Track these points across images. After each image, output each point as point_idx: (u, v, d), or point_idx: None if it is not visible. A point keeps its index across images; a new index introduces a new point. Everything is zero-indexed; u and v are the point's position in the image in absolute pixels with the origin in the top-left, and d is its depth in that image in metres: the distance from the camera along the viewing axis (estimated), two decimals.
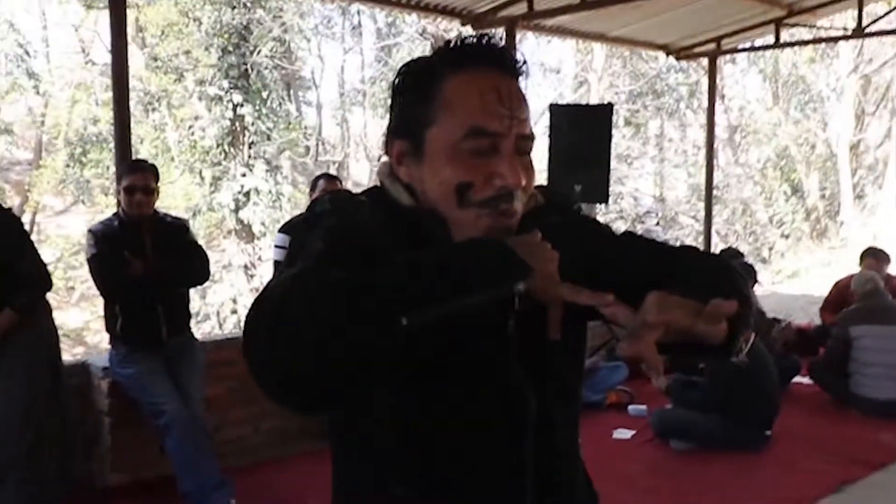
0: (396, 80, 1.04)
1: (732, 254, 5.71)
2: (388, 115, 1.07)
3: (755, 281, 5.49)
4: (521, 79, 1.01)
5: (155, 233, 3.45)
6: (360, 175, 18.45)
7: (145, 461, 3.64)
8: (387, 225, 1.01)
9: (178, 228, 3.61)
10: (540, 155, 5.50)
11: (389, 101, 1.06)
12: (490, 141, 0.97)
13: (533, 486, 1.02)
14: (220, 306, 12.01)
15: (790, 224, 14.97)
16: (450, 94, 0.98)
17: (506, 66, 0.99)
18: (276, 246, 4.40)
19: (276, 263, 4.38)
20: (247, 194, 12.08)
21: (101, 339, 12.58)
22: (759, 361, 4.21)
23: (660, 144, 18.48)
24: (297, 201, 13.15)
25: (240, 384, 4.12)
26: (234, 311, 12.02)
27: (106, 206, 13.07)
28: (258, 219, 12.14)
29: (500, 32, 5.39)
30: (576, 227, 1.10)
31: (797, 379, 5.18)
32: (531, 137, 1.01)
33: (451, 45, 1.00)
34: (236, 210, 12.10)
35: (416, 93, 1.01)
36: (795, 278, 10.59)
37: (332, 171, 4.56)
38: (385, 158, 1.08)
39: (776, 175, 15.63)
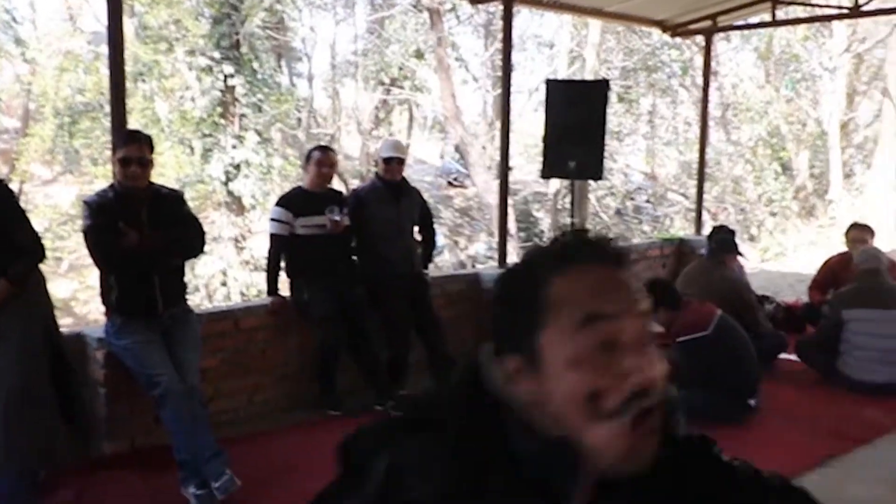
0: (497, 293, 0.98)
1: (722, 231, 5.75)
2: (496, 329, 0.97)
3: (737, 254, 5.53)
4: (626, 267, 0.94)
5: (150, 204, 3.44)
6: (352, 148, 18.37)
7: (141, 430, 3.68)
8: (498, 475, 0.91)
9: (173, 200, 3.60)
10: (536, 130, 5.51)
11: (495, 314, 0.97)
12: (608, 328, 0.88)
13: None
14: (210, 278, 11.99)
15: (779, 202, 15.05)
16: (556, 294, 0.90)
17: (611, 258, 0.93)
18: (272, 219, 4.41)
19: (272, 237, 4.40)
20: (237, 166, 12.01)
21: (89, 309, 12.56)
22: (732, 334, 4.27)
23: (651, 121, 18.48)
24: (287, 174, 13.09)
25: (233, 356, 4.16)
26: (224, 284, 12.01)
27: (95, 177, 12.97)
28: (248, 191, 12.07)
29: (496, 7, 5.36)
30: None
31: (784, 355, 5.23)
32: (650, 324, 0.93)
33: (551, 249, 0.95)
34: (227, 182, 12.03)
35: (519, 302, 0.93)
36: (783, 256, 10.67)
37: (323, 144, 4.57)
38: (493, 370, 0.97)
39: (766, 153, 15.66)
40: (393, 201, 4.51)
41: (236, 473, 3.27)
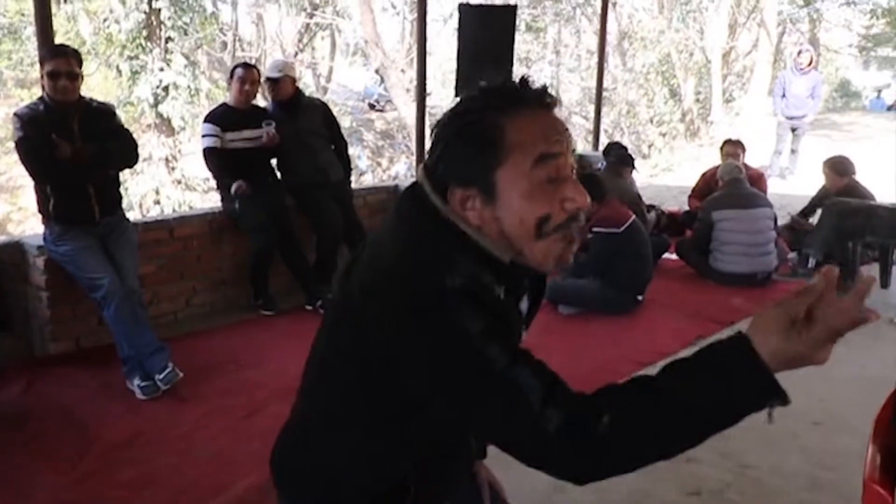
0: (444, 130, 1.04)
1: (617, 147, 5.92)
2: (446, 163, 1.04)
3: (633, 168, 5.75)
4: (559, 110, 1.06)
5: (82, 117, 3.30)
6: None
7: (85, 331, 3.63)
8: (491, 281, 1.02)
9: (104, 113, 3.46)
10: (452, 56, 5.46)
11: (446, 147, 1.04)
12: (554, 164, 1.01)
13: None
14: (143, 197, 11.59)
15: (668, 124, 15.47)
16: (513, 136, 1.00)
17: (552, 103, 1.04)
18: (204, 135, 4.30)
19: (207, 151, 4.28)
20: (165, 89, 11.46)
21: (23, 229, 11.96)
22: (639, 237, 4.48)
23: (557, 50, 18.46)
24: (214, 96, 12.58)
25: (170, 263, 4.10)
26: (157, 202, 11.63)
27: (21, 99, 12.14)
28: (177, 113, 11.58)
29: None
30: None
31: (665, 255, 5.52)
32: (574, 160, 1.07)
33: (499, 92, 1.03)
34: (155, 105, 11.50)
35: (478, 141, 1.01)
36: (669, 171, 11.03)
37: (245, 62, 4.39)
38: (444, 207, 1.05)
39: (658, 80, 15.96)
40: (289, 118, 4.42)
41: (178, 366, 3.29)
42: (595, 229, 4.37)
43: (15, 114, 3.27)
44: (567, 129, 1.04)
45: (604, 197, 4.40)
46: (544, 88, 1.04)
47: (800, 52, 8.99)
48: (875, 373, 3.51)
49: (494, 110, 1.01)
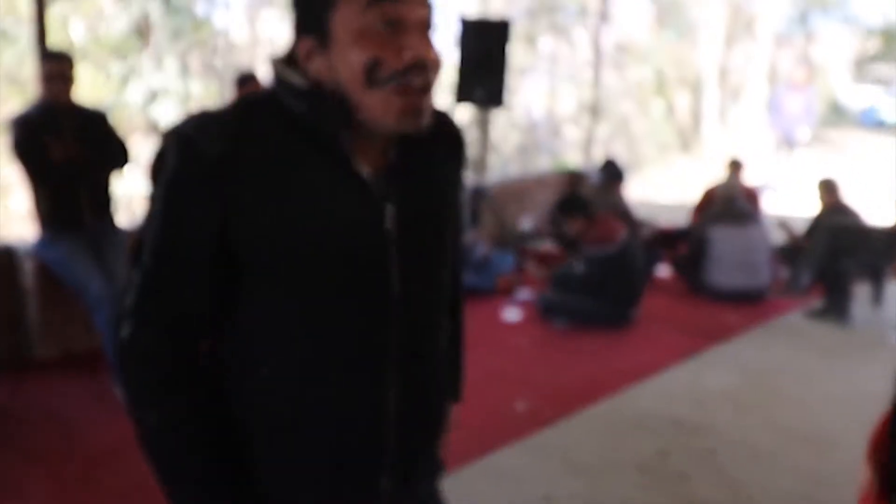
0: None
1: (611, 164, 5.99)
2: (293, 15, 0.99)
3: (622, 181, 5.87)
4: None
5: (74, 120, 3.32)
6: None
7: (74, 336, 3.62)
8: (279, 134, 0.95)
9: (96, 117, 3.49)
10: (451, 64, 5.55)
11: (293, 1, 0.99)
12: (394, 9, 0.91)
13: (395, 360, 1.03)
14: (131, 200, 11.57)
15: (661, 137, 15.60)
16: None
17: None
18: None
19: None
20: (156, 93, 11.48)
21: (10, 231, 11.89)
22: (631, 252, 4.52)
23: (552, 60, 18.57)
24: (205, 101, 12.59)
25: None
26: (142, 205, 11.62)
27: (9, 97, 12.11)
28: (168, 117, 11.60)
29: None
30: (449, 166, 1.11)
31: (659, 271, 5.58)
32: (432, 13, 0.95)
33: None
34: (146, 108, 11.51)
35: None
36: (663, 187, 11.13)
37: (243, 71, 4.36)
38: (275, 57, 1.01)
39: (652, 93, 16.11)
40: None
41: None
42: (590, 252, 4.43)
43: (11, 120, 3.28)
44: None
45: (589, 213, 4.47)
46: None
47: (794, 69, 9.10)
48: (867, 389, 3.55)
49: None
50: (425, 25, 0.94)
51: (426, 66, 0.93)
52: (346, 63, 0.92)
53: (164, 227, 0.95)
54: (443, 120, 1.10)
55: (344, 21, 0.92)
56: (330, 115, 0.95)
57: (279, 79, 0.98)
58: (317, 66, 0.95)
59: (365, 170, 0.98)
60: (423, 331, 1.07)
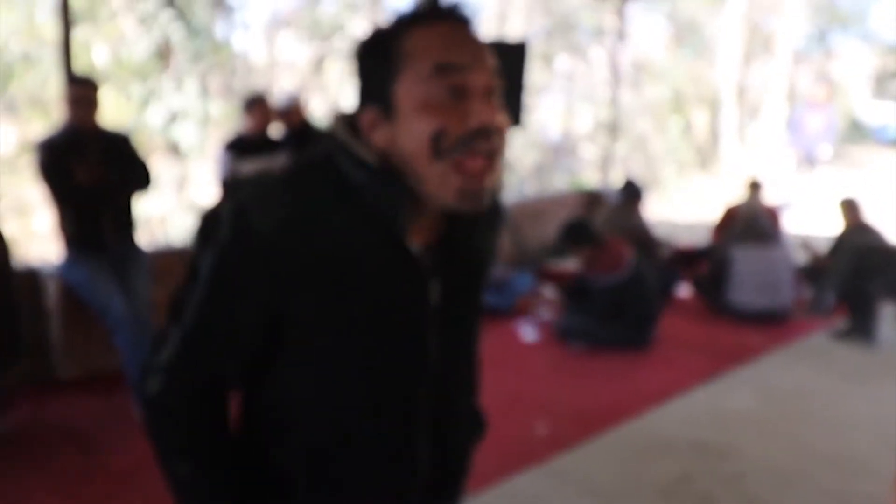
0: (359, 49, 0.98)
1: (630, 184, 5.98)
2: (356, 84, 0.99)
3: (641, 199, 5.84)
4: (473, 27, 0.97)
5: (99, 143, 3.38)
6: None
7: (97, 356, 3.66)
8: (334, 204, 0.94)
9: (120, 140, 3.55)
10: None
11: (356, 69, 0.99)
12: (458, 77, 0.91)
13: (426, 419, 1.06)
14: (153, 220, 11.71)
15: (680, 156, 15.56)
16: (410, 45, 0.93)
17: (458, 16, 0.96)
18: (219, 162, 4.37)
19: (220, 177, 4.33)
20: (176, 114, 11.65)
21: (35, 252, 12.04)
22: (641, 275, 4.50)
23: (569, 79, 18.63)
24: (224, 122, 12.75)
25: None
26: (166, 224, 11.74)
27: (34, 120, 12.32)
28: (187, 139, 11.76)
29: None
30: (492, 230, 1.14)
31: (679, 291, 5.54)
32: (496, 76, 0.95)
33: (407, 13, 0.96)
34: (166, 130, 11.68)
35: (377, 54, 0.95)
36: (682, 205, 11.09)
37: (260, 93, 4.44)
38: (338, 120, 1.01)
39: (670, 111, 16.10)
40: (300, 147, 4.50)
41: None
42: (597, 281, 4.41)
43: (37, 143, 3.35)
44: (481, 45, 0.95)
45: (593, 241, 4.45)
46: (454, 4, 0.96)
47: (814, 87, 9.06)
48: (892, 413, 3.50)
49: (403, 23, 0.95)
50: (490, 91, 0.94)
51: (491, 132, 0.92)
52: (410, 134, 0.92)
53: (211, 295, 0.96)
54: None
55: (408, 91, 0.92)
56: (394, 194, 0.94)
57: (343, 146, 0.97)
58: (380, 136, 0.94)
59: (415, 244, 0.99)
60: (454, 391, 1.11)
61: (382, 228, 0.96)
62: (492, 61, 0.95)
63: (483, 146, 0.92)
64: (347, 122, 1.00)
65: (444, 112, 0.91)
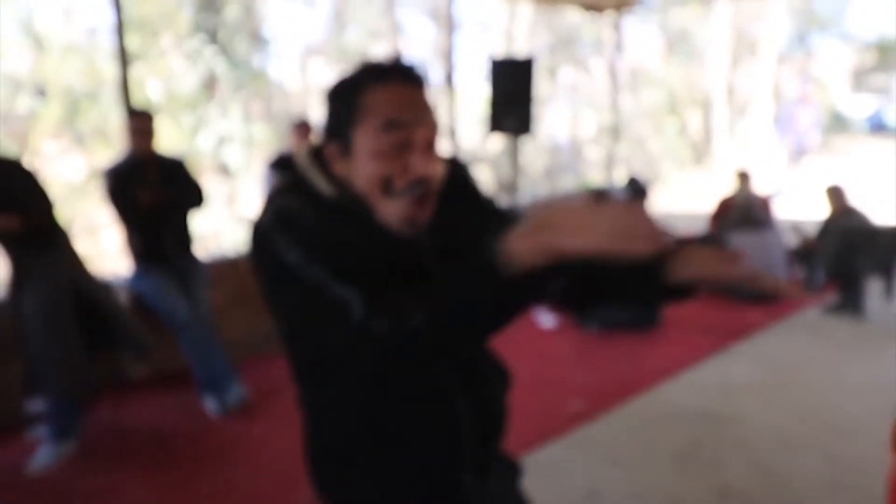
0: (329, 91, 1.06)
1: (634, 182, 5.94)
2: (324, 119, 1.07)
3: (645, 197, 5.80)
4: (424, 88, 1.03)
5: (158, 169, 3.43)
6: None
7: (165, 358, 3.70)
8: (316, 212, 1.01)
9: (177, 164, 3.59)
10: (484, 98, 5.60)
11: (326, 108, 1.06)
12: (404, 132, 0.99)
13: (461, 384, 1.11)
14: (206, 233, 11.89)
15: (677, 154, 15.41)
16: (369, 100, 1.01)
17: (412, 78, 1.02)
18: (266, 179, 4.43)
19: (267, 197, 4.38)
20: (223, 138, 11.81)
21: (105, 267, 12.28)
22: None
23: (573, 89, 18.53)
24: (266, 144, 12.88)
25: (233, 293, 4.18)
26: (219, 238, 11.89)
27: (98, 149, 12.55)
28: (234, 159, 11.91)
29: None
30: (470, 201, 1.17)
31: None
32: (436, 132, 1.03)
33: (372, 63, 1.03)
34: (215, 152, 11.84)
35: (344, 102, 1.03)
36: (679, 198, 10.99)
37: (297, 118, 4.49)
38: (303, 150, 1.10)
39: (666, 113, 15.94)
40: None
41: (247, 387, 3.37)
42: None
43: (104, 171, 3.40)
44: (427, 105, 1.02)
45: None
46: (410, 66, 1.03)
47: (803, 86, 8.92)
48: (883, 378, 3.44)
49: (366, 77, 1.02)
50: (430, 145, 1.02)
51: (428, 181, 1.02)
52: (364, 173, 1.01)
53: (327, 259, 0.94)
54: (449, 169, 1.14)
55: (364, 139, 1.01)
56: (346, 219, 1.03)
57: (302, 177, 1.06)
58: (340, 168, 1.04)
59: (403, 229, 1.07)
60: (473, 354, 1.16)
61: (362, 221, 1.04)
62: (433, 118, 1.03)
63: (421, 191, 1.01)
64: (315, 152, 1.09)
65: (391, 162, 1.00)
